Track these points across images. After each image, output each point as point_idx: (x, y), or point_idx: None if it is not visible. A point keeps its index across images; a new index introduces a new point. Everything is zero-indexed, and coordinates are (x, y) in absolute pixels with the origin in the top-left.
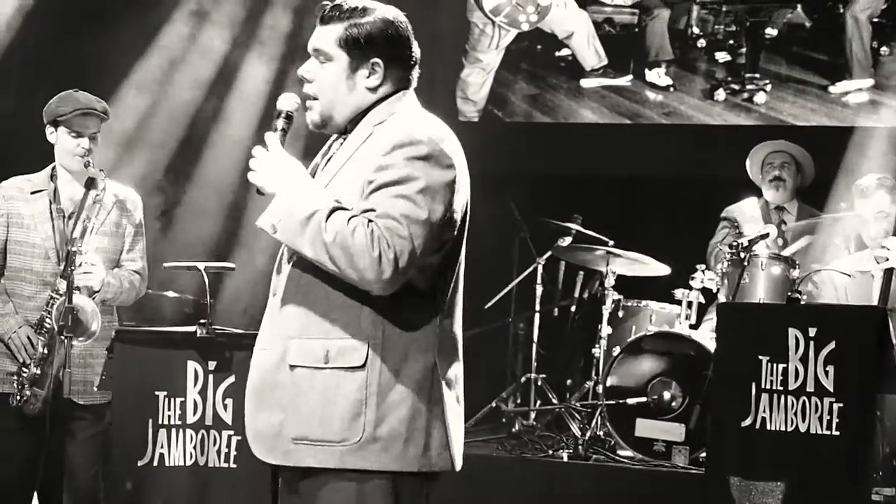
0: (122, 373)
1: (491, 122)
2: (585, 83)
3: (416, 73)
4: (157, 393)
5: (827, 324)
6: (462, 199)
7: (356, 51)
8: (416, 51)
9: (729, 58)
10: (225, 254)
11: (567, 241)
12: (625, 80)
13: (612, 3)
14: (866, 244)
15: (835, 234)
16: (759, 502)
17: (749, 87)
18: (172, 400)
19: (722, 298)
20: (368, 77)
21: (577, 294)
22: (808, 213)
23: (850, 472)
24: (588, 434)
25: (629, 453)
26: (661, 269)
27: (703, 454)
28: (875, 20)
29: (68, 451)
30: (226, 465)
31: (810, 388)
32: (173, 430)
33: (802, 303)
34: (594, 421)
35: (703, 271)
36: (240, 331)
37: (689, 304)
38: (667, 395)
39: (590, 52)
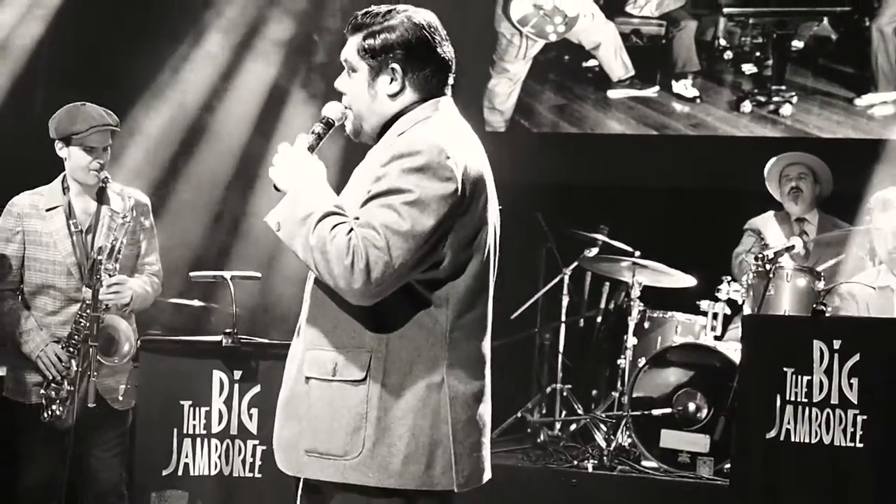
0: (147, 382)
1: (518, 132)
2: (612, 94)
3: (449, 77)
4: (182, 402)
5: (851, 336)
6: (476, 213)
7: (374, 59)
8: (447, 54)
9: (755, 70)
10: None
11: (593, 251)
12: (651, 92)
13: (640, 15)
14: (882, 258)
15: (859, 247)
16: None
17: (775, 99)
18: (197, 409)
19: (747, 310)
20: (390, 84)
21: (602, 305)
22: (829, 222)
23: (874, 485)
24: (613, 445)
25: (654, 464)
26: (686, 281)
27: (728, 465)
28: None
29: (92, 456)
30: (250, 474)
31: (834, 400)
32: (198, 440)
33: (827, 315)
34: (619, 431)
35: (728, 283)
36: (265, 340)
37: (715, 316)
38: (692, 407)
39: (617, 63)
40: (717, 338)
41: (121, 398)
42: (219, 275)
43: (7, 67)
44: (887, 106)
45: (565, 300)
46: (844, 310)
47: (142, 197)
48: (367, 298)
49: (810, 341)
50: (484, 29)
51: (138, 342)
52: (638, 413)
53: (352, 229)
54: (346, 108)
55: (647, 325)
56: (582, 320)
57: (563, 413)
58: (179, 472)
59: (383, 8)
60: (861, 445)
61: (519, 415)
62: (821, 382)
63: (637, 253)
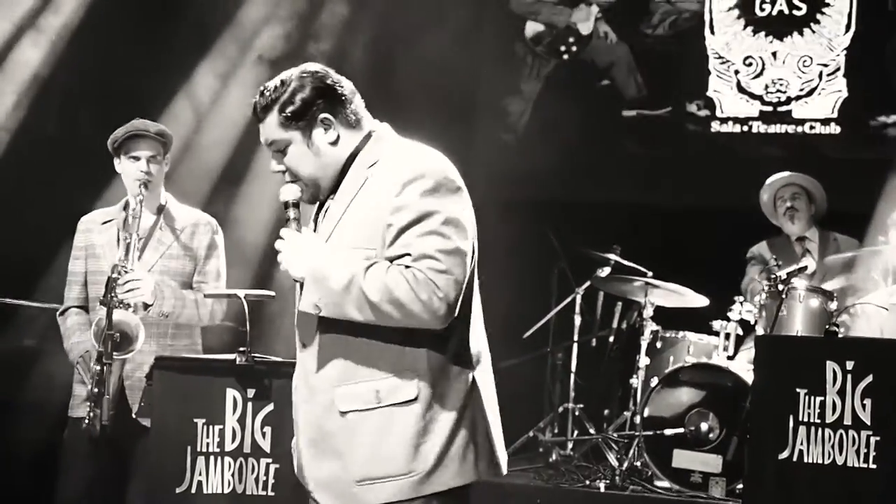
0: (160, 400)
1: (530, 151)
2: (625, 113)
3: (360, 103)
4: (195, 420)
5: (864, 357)
6: (473, 218)
7: (301, 122)
8: (349, 85)
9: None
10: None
11: (606, 271)
12: (664, 111)
13: (653, 34)
14: None
15: (872, 268)
16: None
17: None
18: (211, 427)
19: (760, 330)
20: (325, 134)
21: (615, 324)
22: (829, 238)
23: None
24: (625, 465)
25: (666, 484)
26: (699, 301)
27: (741, 486)
28: None
29: (129, 471)
30: (263, 492)
31: (847, 421)
32: (211, 458)
33: (840, 336)
34: (631, 451)
35: (741, 303)
36: (279, 359)
37: (727, 336)
38: (704, 427)
39: (630, 82)
40: (729, 358)
41: (134, 415)
42: (233, 293)
43: (13, 88)
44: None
45: (578, 320)
46: (857, 330)
47: (203, 217)
48: (446, 321)
49: (823, 362)
50: (498, 48)
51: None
52: (650, 433)
53: (407, 267)
54: (294, 180)
55: (659, 344)
56: (594, 340)
57: (575, 433)
58: (193, 490)
59: (275, 81)
60: (874, 466)
61: (531, 434)
62: (834, 403)
63: (650, 273)
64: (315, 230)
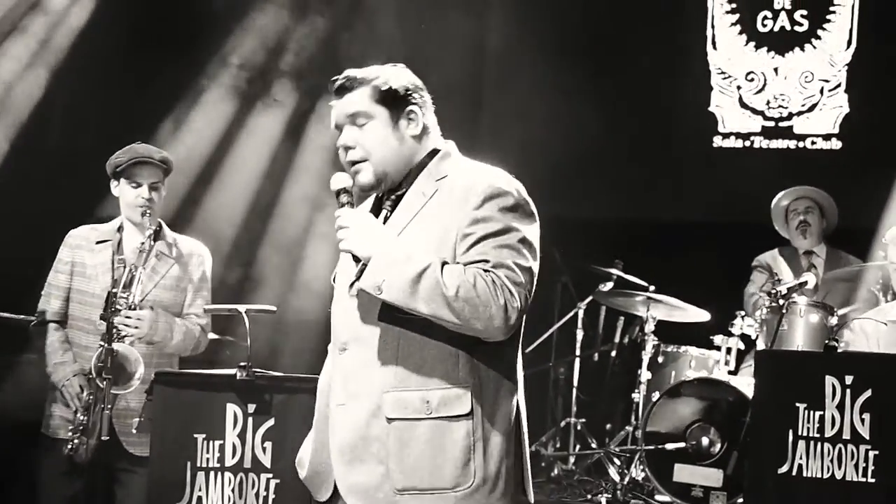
0: (160, 415)
1: (532, 166)
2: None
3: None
4: (195, 435)
5: (863, 372)
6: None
7: (392, 101)
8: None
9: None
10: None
11: (608, 286)
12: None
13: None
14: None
15: (871, 283)
16: None
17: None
18: (211, 442)
19: (761, 345)
20: (409, 126)
21: (617, 339)
22: (837, 255)
23: None
24: (627, 479)
25: (667, 498)
26: (700, 315)
27: (741, 500)
28: None
29: (117, 498)
30: None
31: (846, 435)
32: (212, 473)
33: (839, 350)
34: (633, 466)
35: (742, 318)
36: (280, 374)
37: (729, 350)
38: (705, 441)
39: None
40: (730, 372)
41: (134, 431)
42: (234, 308)
43: (14, 117)
44: None
45: (580, 334)
46: (856, 345)
47: (197, 247)
48: (510, 331)
49: (822, 377)
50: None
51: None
52: (651, 447)
53: (487, 271)
54: (361, 160)
55: (661, 359)
56: (596, 354)
57: (577, 447)
58: None
59: (373, 67)
60: (873, 481)
61: (533, 448)
62: (833, 418)
63: (651, 287)
64: None
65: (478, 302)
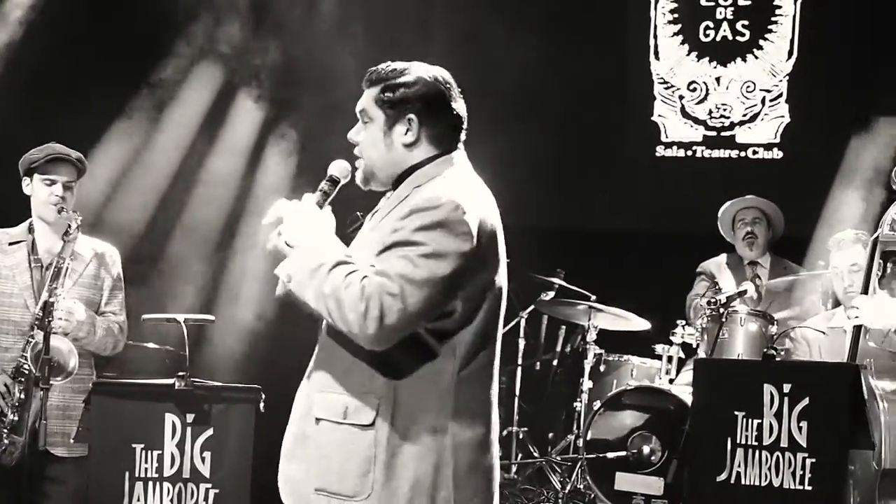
0: (99, 425)
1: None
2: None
3: (461, 133)
4: (134, 445)
5: (801, 380)
6: (488, 267)
7: (391, 109)
8: (461, 110)
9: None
10: (208, 307)
11: (550, 295)
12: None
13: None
14: (839, 298)
15: (811, 291)
16: None
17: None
18: (150, 453)
19: (701, 353)
20: (405, 134)
21: (559, 348)
22: (780, 265)
23: None
24: (568, 487)
25: None
26: (641, 324)
27: None
28: None
29: None
30: None
31: (784, 443)
32: (150, 483)
33: (778, 359)
34: (575, 474)
35: (683, 326)
36: (219, 384)
37: (670, 359)
38: (646, 450)
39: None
40: (671, 381)
41: (72, 441)
42: (172, 317)
43: None
44: None
45: (522, 343)
46: (796, 354)
47: (109, 248)
48: (379, 344)
49: (761, 385)
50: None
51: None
52: (593, 456)
53: (365, 277)
54: (358, 157)
55: (602, 368)
56: (538, 363)
57: (519, 456)
58: None
59: (402, 64)
60: (810, 488)
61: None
62: (771, 426)
63: (593, 297)
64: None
65: (343, 304)
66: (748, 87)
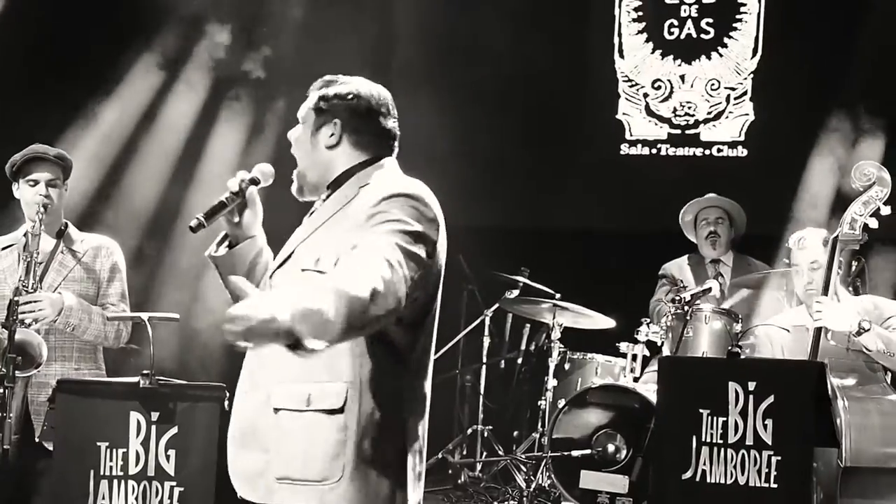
0: (64, 423)
1: (439, 174)
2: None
3: (390, 147)
4: (98, 443)
5: (766, 378)
6: (438, 260)
7: (321, 111)
8: (390, 127)
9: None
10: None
11: (514, 293)
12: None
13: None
14: (799, 296)
15: (776, 289)
16: None
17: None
18: (114, 451)
19: (666, 352)
20: (329, 137)
21: (523, 346)
22: (744, 262)
23: None
24: (533, 485)
25: None
26: (606, 323)
27: None
28: None
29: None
30: None
31: (749, 441)
32: (115, 481)
33: (742, 357)
34: (539, 472)
35: (647, 325)
36: (183, 382)
37: (634, 357)
38: (611, 448)
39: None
40: (636, 379)
41: (37, 439)
42: (136, 316)
43: None
44: None
45: (486, 341)
46: (760, 352)
47: (105, 241)
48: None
49: (726, 383)
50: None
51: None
52: (558, 454)
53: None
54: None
55: (567, 366)
56: (503, 362)
57: (484, 454)
58: None
59: (347, 77)
60: (776, 486)
61: (440, 456)
62: (736, 424)
63: (558, 295)
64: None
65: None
66: (713, 84)
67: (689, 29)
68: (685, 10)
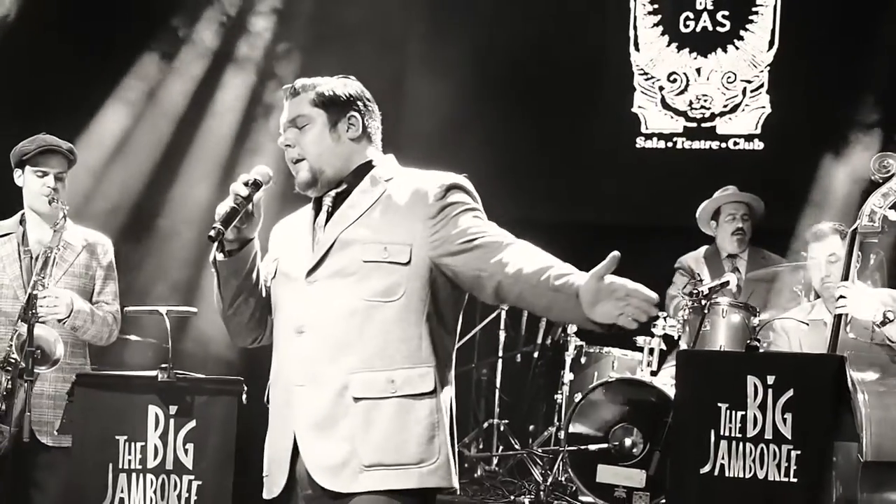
0: (82, 417)
1: (455, 167)
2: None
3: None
4: (117, 437)
5: (785, 372)
6: None
7: (332, 107)
8: (377, 110)
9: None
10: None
11: None
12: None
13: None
14: (817, 289)
15: (792, 283)
16: None
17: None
18: (133, 444)
19: (683, 345)
20: (349, 130)
21: (539, 340)
22: (759, 255)
23: None
24: (550, 480)
25: (590, 499)
26: None
27: (664, 500)
28: None
29: (32, 498)
30: None
31: (768, 435)
32: (133, 475)
33: (761, 350)
34: (556, 467)
35: (664, 318)
36: (201, 376)
37: (651, 351)
38: (628, 442)
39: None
40: (653, 373)
41: (56, 433)
42: (154, 309)
43: None
44: None
45: (502, 336)
46: (778, 345)
47: (100, 237)
48: None
49: (744, 377)
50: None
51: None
52: (574, 448)
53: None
54: (298, 159)
55: (583, 360)
56: (519, 356)
57: (500, 448)
58: None
59: (324, 77)
60: (795, 480)
61: (456, 449)
62: (755, 417)
63: None
64: (314, 231)
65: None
66: (729, 77)
67: (704, 22)
68: (701, 3)
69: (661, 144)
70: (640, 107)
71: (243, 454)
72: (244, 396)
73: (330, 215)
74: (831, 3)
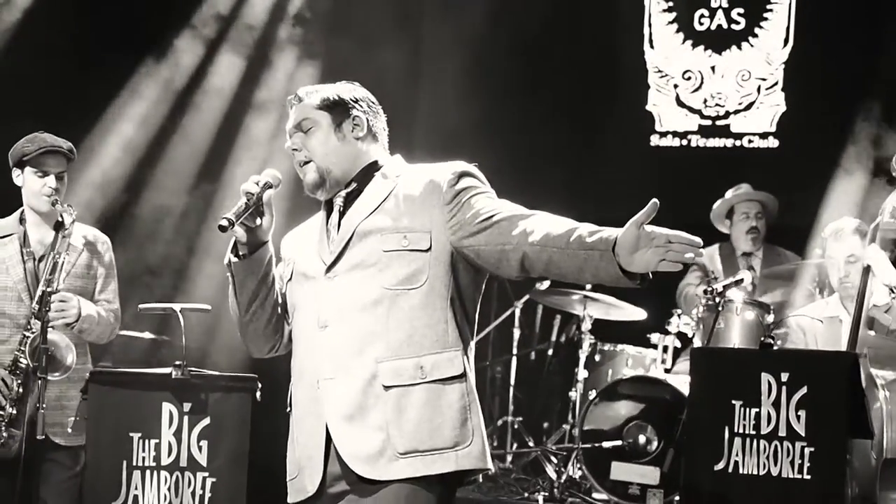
0: (96, 414)
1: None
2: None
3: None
4: (131, 434)
5: (799, 369)
6: None
7: (336, 108)
8: (382, 112)
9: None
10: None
11: (545, 284)
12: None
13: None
14: (834, 288)
15: (807, 280)
16: None
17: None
18: (147, 441)
19: (697, 343)
20: (353, 130)
21: (554, 338)
22: (773, 252)
23: None
24: (564, 477)
25: (604, 496)
26: (636, 314)
27: (678, 497)
28: None
29: (41, 495)
30: None
31: (782, 432)
32: (147, 472)
33: (775, 348)
34: (570, 464)
35: (678, 316)
36: (215, 373)
37: (665, 349)
38: (642, 439)
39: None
40: (667, 370)
41: (70, 430)
42: (168, 307)
43: None
44: None
45: (517, 333)
46: (792, 342)
47: (99, 235)
48: None
49: (758, 374)
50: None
51: (87, 374)
52: (588, 445)
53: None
54: (305, 161)
55: (598, 357)
56: (533, 353)
57: (515, 445)
58: None
59: (327, 84)
60: (809, 477)
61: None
62: (769, 414)
63: (588, 286)
64: (328, 231)
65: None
66: (743, 75)
67: (719, 19)
68: (716, 1)
69: (676, 142)
70: (654, 104)
71: (257, 451)
72: (258, 393)
73: (342, 214)
74: (846, 1)
